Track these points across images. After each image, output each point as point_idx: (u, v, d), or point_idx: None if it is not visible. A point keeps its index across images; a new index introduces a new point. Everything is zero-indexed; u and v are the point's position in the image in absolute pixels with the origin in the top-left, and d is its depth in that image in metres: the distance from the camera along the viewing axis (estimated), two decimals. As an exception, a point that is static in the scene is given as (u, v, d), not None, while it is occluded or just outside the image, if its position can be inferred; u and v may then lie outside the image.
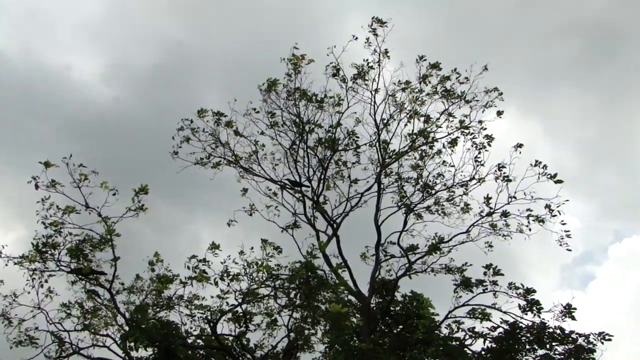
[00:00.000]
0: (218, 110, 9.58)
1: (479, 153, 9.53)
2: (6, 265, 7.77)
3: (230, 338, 7.89)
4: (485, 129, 9.58)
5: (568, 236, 8.83)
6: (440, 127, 9.80)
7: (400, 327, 8.48)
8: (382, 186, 10.05)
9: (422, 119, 9.82)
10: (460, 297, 8.46)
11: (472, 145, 9.61)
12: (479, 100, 9.56)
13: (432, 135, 9.82)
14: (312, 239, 9.33)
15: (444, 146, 9.81)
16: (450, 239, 9.37)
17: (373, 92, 9.68)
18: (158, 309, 7.93)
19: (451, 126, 9.76)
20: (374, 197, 9.86)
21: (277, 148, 9.86)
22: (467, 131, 9.63)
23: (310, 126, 9.79)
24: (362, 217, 9.85)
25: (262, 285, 7.76)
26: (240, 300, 7.72)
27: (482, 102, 9.55)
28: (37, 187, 7.42)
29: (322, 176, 9.90)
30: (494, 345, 7.80)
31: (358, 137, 10.01)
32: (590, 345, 7.63)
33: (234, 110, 9.51)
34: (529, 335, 7.72)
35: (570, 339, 7.65)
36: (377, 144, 10.02)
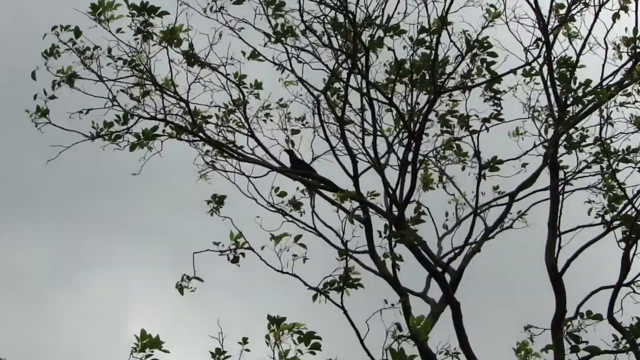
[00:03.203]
0: (144, 1, 8.74)
1: None
2: None
3: None
4: None
5: None
6: None
7: None
8: (561, 174, 9.41)
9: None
10: None
11: None
12: None
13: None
14: (391, 313, 8.21)
15: None
16: None
17: None
18: None
19: None
20: (544, 204, 9.40)
21: (293, 91, 9.71)
22: None
23: (375, 32, 8.97)
24: (514, 254, 10.17)
25: None
26: None
27: None
28: None
29: (410, 158, 9.05)
30: None
31: (495, 57, 9.10)
32: None
33: (183, 2, 8.82)
34: None
35: None
36: (545, 64, 9.16)
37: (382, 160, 9.39)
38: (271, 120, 9.73)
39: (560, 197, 9.18)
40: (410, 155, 8.96)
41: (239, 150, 9.45)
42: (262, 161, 9.41)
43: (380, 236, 8.81)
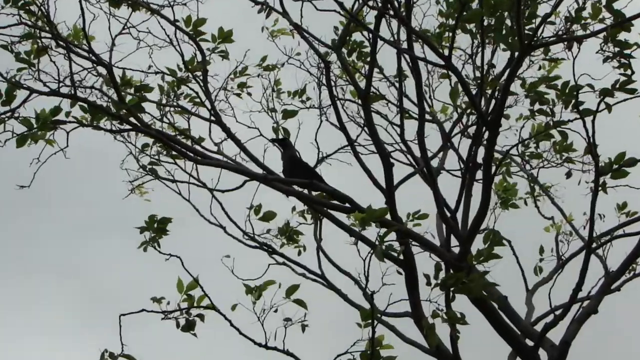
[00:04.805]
0: None
1: None
2: None
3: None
4: None
5: None
6: None
7: None
8: None
9: None
10: None
11: None
12: None
13: None
14: None
15: None
16: None
17: None
18: None
19: None
20: None
21: (286, 47, 10.00)
22: None
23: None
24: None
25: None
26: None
27: None
28: None
29: (482, 158, 8.66)
30: None
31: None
32: None
33: None
34: None
35: None
36: None
37: (434, 162, 9.43)
38: (249, 94, 9.79)
39: None
40: (482, 153, 8.45)
41: (197, 146, 9.24)
42: (235, 163, 9.18)
43: (429, 284, 8.22)
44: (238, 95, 9.86)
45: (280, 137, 9.77)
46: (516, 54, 8.30)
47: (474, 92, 8.72)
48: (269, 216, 9.37)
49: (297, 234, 9.63)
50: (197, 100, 9.59)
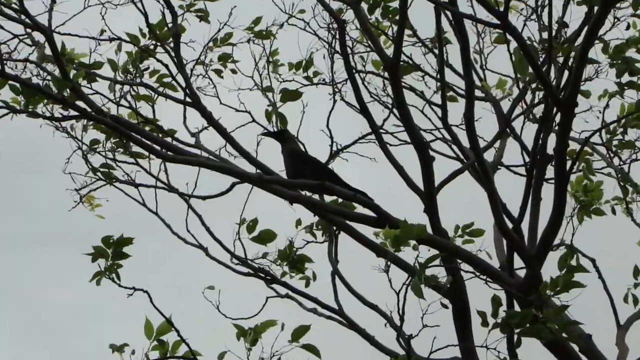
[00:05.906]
0: None
1: None
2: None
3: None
4: None
5: None
6: None
7: None
8: None
9: None
10: None
11: None
12: None
13: None
14: None
15: None
16: None
17: None
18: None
19: None
20: None
21: (285, 1, 10.17)
22: None
23: None
24: None
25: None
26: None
27: None
28: None
29: (553, 149, 8.69)
30: None
31: None
32: None
33: None
34: None
35: None
36: None
37: (489, 155, 9.68)
38: (233, 72, 10.00)
39: None
40: (553, 142, 8.47)
41: (167, 139, 9.28)
42: (219, 160, 9.34)
43: (486, 324, 7.95)
44: (219, 73, 9.89)
45: (276, 128, 9.75)
46: (596, 7, 8.05)
47: (540, 60, 8.64)
48: (266, 237, 9.31)
49: (303, 260, 9.53)
50: (167, 76, 9.51)
